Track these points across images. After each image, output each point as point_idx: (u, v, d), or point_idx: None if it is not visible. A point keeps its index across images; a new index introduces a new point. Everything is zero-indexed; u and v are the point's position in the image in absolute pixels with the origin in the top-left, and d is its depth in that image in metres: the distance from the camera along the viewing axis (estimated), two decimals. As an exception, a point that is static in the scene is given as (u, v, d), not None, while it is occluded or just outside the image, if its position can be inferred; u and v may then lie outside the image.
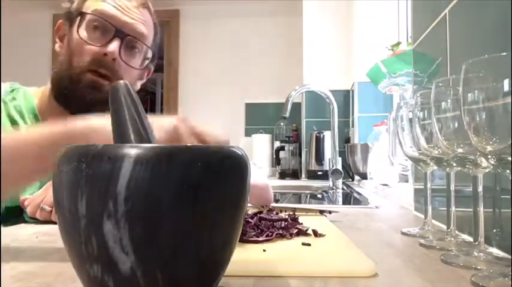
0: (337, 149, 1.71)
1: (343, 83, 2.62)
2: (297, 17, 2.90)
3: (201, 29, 3.42)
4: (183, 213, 0.29)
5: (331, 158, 1.71)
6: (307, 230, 0.60)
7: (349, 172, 2.26)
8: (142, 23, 0.87)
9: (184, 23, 3.47)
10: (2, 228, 0.65)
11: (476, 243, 0.47)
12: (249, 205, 0.73)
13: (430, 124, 0.53)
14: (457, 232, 0.58)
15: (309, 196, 1.73)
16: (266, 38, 3.32)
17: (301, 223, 0.63)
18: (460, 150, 0.47)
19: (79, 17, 0.85)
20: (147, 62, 0.93)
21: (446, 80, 0.49)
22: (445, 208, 0.62)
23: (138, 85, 0.96)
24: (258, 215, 0.63)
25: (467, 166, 0.48)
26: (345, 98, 2.61)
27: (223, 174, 0.31)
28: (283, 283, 0.39)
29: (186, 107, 3.39)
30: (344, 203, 1.35)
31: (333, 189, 1.65)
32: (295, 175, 2.78)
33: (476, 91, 0.38)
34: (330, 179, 1.68)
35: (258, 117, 3.26)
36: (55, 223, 0.61)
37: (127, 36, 0.84)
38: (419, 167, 0.66)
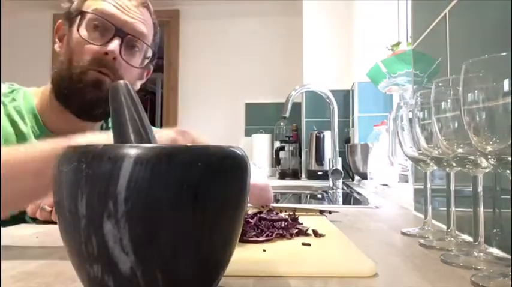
0: (337, 149, 1.71)
1: (343, 83, 2.61)
2: (297, 17, 2.90)
3: (201, 29, 3.42)
4: (183, 213, 0.29)
5: (331, 158, 1.71)
6: (307, 230, 0.60)
7: (349, 172, 2.26)
8: (142, 22, 0.87)
9: (184, 23, 3.47)
10: (2, 228, 0.65)
11: (476, 243, 0.47)
12: (249, 205, 0.72)
13: (430, 124, 0.53)
14: (457, 232, 0.58)
15: (309, 196, 1.73)
16: (266, 38, 3.32)
17: (301, 223, 0.63)
18: (460, 150, 0.47)
19: (79, 17, 0.85)
20: (147, 61, 0.93)
21: (446, 80, 0.49)
22: (445, 208, 0.62)
23: (138, 85, 0.96)
24: (258, 215, 0.63)
25: (467, 166, 0.48)
26: (345, 98, 2.61)
27: (223, 174, 0.31)
28: (283, 283, 0.39)
29: (186, 107, 3.39)
30: (344, 203, 1.35)
31: (333, 189, 1.65)
32: (295, 175, 2.78)
33: (476, 91, 0.38)
34: (330, 179, 1.68)
35: (258, 117, 3.25)
36: (55, 223, 0.61)
37: (127, 35, 0.84)
38: (419, 167, 0.66)
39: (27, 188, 0.57)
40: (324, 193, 1.69)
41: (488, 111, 0.37)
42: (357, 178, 2.21)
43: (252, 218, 0.61)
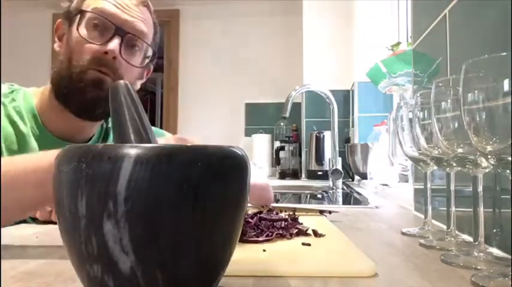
0: (337, 149, 1.71)
1: (343, 83, 2.61)
2: (297, 17, 2.90)
3: (201, 29, 3.42)
4: (183, 213, 0.29)
5: (331, 158, 1.71)
6: (307, 230, 0.60)
7: (349, 172, 2.26)
8: (142, 21, 0.87)
9: (184, 23, 3.47)
10: (2, 228, 0.65)
11: (476, 243, 0.47)
12: (249, 205, 0.72)
13: (430, 124, 0.53)
14: (457, 232, 0.58)
15: (309, 196, 1.73)
16: (266, 38, 3.32)
17: (301, 223, 0.63)
18: (460, 150, 0.47)
19: (78, 16, 0.85)
20: (147, 60, 0.92)
21: (446, 80, 0.49)
22: (445, 208, 0.62)
23: (138, 84, 0.96)
24: (258, 215, 0.63)
25: (467, 166, 0.48)
26: (345, 98, 2.61)
27: (223, 174, 0.31)
28: (283, 283, 0.39)
29: (186, 107, 3.39)
30: (344, 203, 1.35)
31: (333, 189, 1.65)
32: (295, 175, 2.78)
33: (476, 91, 0.38)
34: (330, 179, 1.68)
35: (258, 117, 3.26)
36: (55, 223, 0.61)
37: (127, 34, 0.84)
38: (419, 167, 0.66)
39: (27, 198, 0.57)
40: (324, 193, 1.69)
41: (488, 111, 0.37)
42: (357, 178, 2.21)
43: (252, 218, 0.61)
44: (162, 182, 0.28)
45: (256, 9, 3.33)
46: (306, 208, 0.84)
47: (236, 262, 0.35)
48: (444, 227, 0.66)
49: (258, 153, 2.97)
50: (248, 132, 3.23)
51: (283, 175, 2.75)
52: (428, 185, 0.65)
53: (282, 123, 3.05)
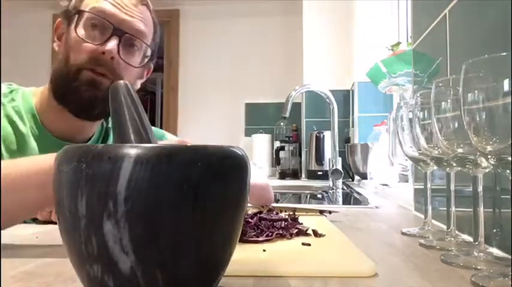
0: (337, 149, 1.71)
1: (343, 83, 2.61)
2: (297, 17, 2.90)
3: (201, 29, 3.42)
4: (183, 213, 0.29)
5: (331, 158, 1.71)
6: (307, 230, 0.60)
7: (349, 172, 2.26)
8: (141, 21, 0.87)
9: (184, 23, 3.47)
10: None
11: (476, 243, 0.47)
12: (249, 205, 0.72)
13: (430, 124, 0.53)
14: (457, 232, 0.58)
15: (309, 196, 1.73)
16: (266, 38, 3.32)
17: (301, 223, 0.63)
18: (460, 150, 0.47)
19: (77, 15, 0.85)
20: (146, 60, 0.92)
21: (446, 80, 0.49)
22: (445, 208, 0.62)
23: (138, 84, 0.96)
24: (258, 215, 0.63)
25: (467, 166, 0.48)
26: (345, 98, 2.61)
27: (223, 174, 0.31)
28: (283, 283, 0.39)
29: (186, 106, 3.39)
30: (344, 203, 1.35)
31: (333, 189, 1.65)
32: (295, 175, 2.78)
33: (476, 91, 0.38)
34: (330, 179, 1.68)
35: (258, 117, 3.26)
36: (55, 223, 0.61)
37: (125, 34, 0.84)
38: (419, 167, 0.66)
39: (29, 200, 0.57)
40: (324, 193, 1.69)
41: (488, 111, 0.37)
42: (357, 178, 2.21)
43: (252, 218, 0.61)
44: (162, 182, 0.28)
45: (256, 9, 3.33)
46: (306, 208, 0.84)
47: (236, 262, 0.35)
48: (444, 227, 0.66)
49: (258, 153, 2.97)
50: (248, 132, 3.23)
51: (283, 175, 2.75)
52: (428, 185, 0.65)
53: (282, 123, 3.05)
